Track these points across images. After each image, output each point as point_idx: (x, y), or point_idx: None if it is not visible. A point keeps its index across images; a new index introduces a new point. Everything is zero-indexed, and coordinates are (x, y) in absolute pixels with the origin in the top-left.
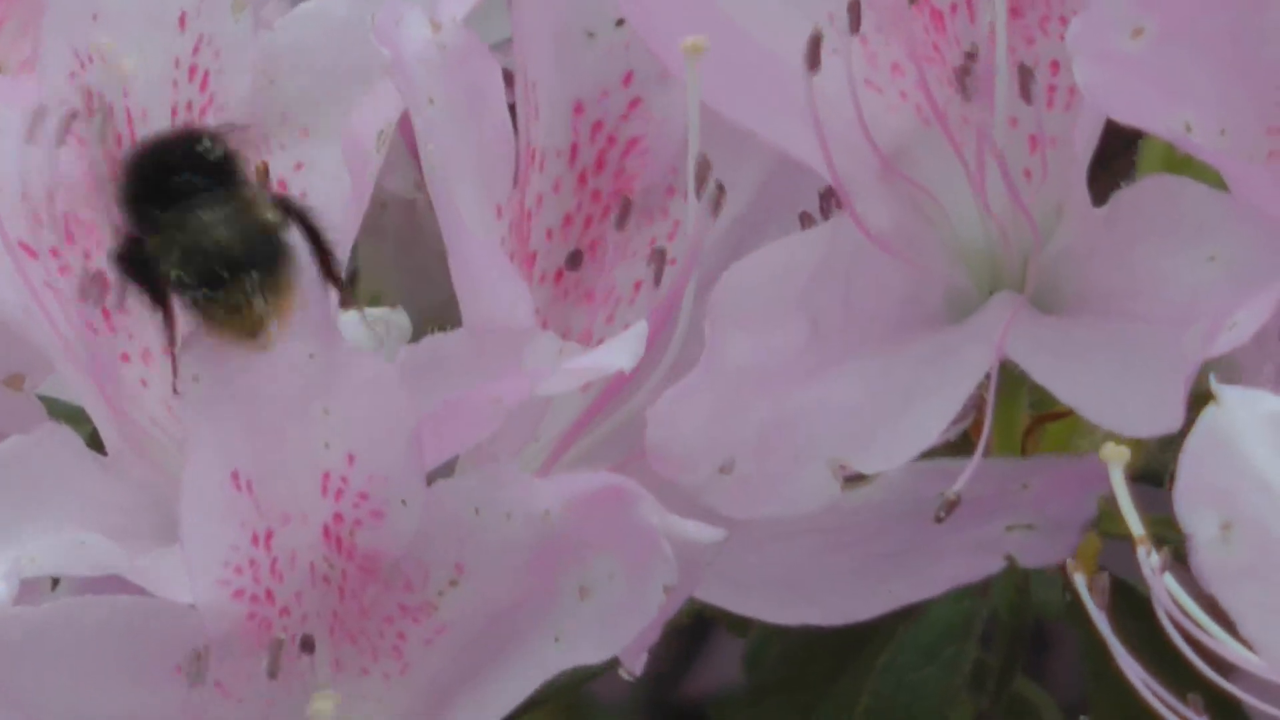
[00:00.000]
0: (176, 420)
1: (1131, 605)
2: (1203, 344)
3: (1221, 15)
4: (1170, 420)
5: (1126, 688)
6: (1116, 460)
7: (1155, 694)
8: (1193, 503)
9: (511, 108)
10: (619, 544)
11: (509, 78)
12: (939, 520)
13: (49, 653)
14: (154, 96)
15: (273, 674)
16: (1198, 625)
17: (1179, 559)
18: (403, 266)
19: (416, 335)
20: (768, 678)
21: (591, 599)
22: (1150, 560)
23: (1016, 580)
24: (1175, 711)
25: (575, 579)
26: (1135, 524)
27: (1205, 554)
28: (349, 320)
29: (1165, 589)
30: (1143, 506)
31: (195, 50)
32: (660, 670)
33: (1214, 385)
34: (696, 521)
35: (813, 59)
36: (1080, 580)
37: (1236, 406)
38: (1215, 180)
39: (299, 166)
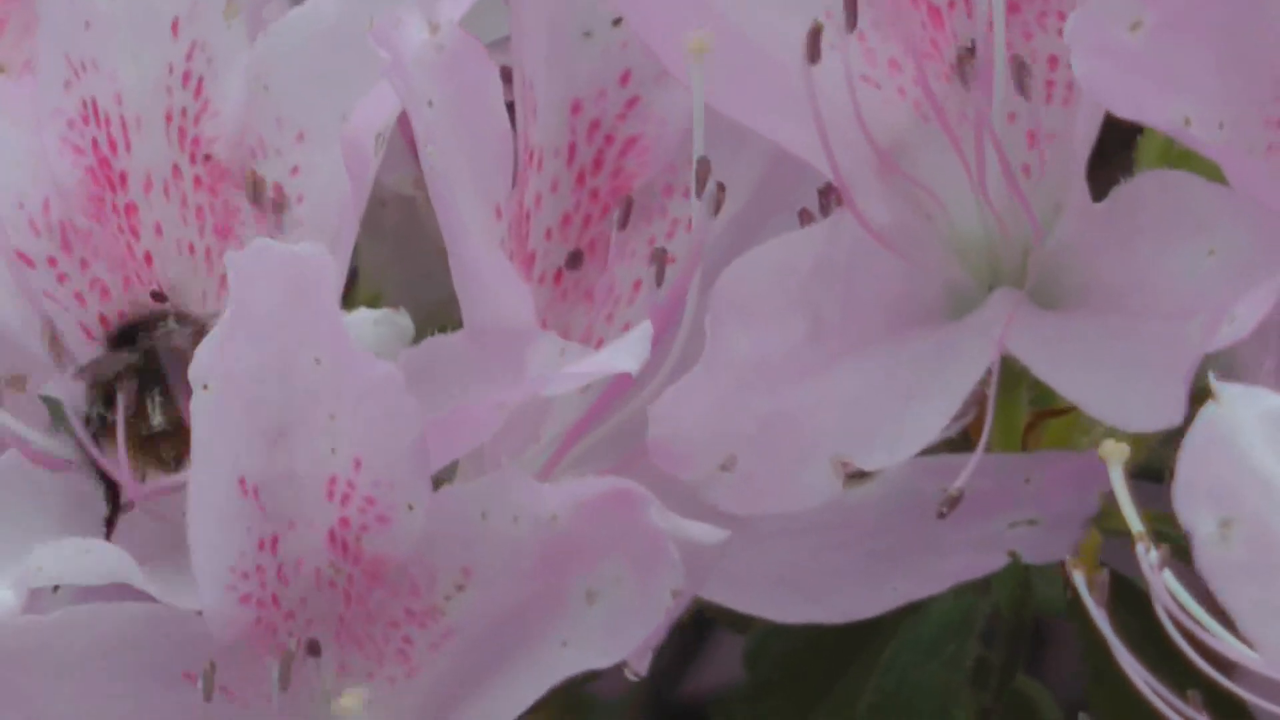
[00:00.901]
0: None
1: (1131, 601)
2: (1203, 338)
3: (1219, 7)
4: (1171, 414)
5: (1126, 684)
6: (1115, 458)
7: (1155, 691)
8: (1192, 500)
9: (510, 106)
10: (626, 548)
11: (507, 75)
12: (941, 516)
13: (58, 661)
14: (148, 103)
15: (284, 684)
16: (1197, 622)
17: (1180, 555)
18: (402, 264)
19: (418, 332)
20: (769, 675)
21: (599, 603)
22: (1149, 557)
23: (1018, 576)
24: (1174, 708)
25: (583, 583)
26: (1134, 521)
27: (1204, 551)
28: (355, 320)
29: (1164, 586)
30: (1143, 502)
31: (189, 56)
32: (660, 668)
33: (1213, 383)
34: (702, 523)
35: (813, 51)
36: (1079, 578)
37: (1236, 403)
38: (1215, 174)
39: (295, 171)
